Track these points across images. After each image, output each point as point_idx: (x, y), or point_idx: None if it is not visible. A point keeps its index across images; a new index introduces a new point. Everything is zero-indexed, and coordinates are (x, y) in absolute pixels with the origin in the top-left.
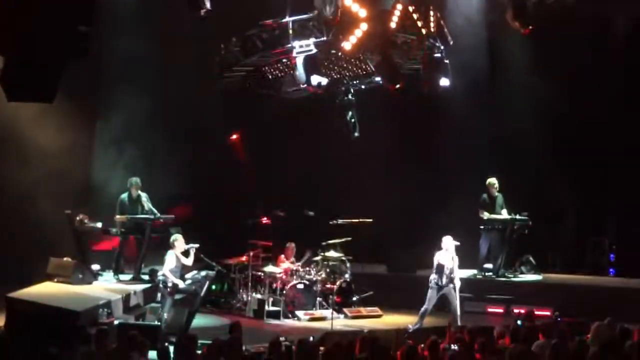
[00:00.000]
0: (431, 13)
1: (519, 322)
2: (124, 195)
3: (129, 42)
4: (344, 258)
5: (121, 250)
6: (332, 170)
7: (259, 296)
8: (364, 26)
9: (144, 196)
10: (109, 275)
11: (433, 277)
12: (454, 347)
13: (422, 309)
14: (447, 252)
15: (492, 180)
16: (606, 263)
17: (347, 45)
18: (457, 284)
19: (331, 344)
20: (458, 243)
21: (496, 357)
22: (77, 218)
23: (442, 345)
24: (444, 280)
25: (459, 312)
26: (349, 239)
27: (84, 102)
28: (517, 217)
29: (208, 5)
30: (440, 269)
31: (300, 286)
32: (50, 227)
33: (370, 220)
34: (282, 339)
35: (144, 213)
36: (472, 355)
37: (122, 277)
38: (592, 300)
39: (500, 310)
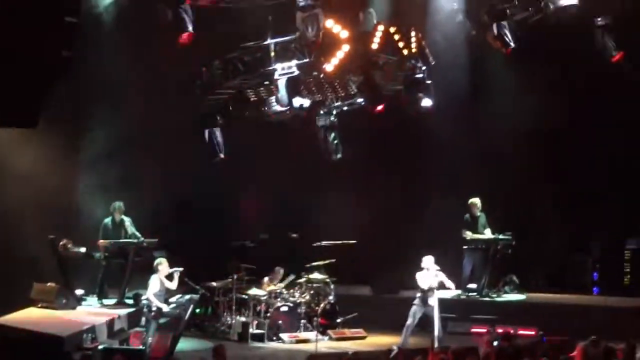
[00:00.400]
0: (412, 34)
1: (495, 342)
2: (108, 220)
3: (111, 65)
4: (327, 280)
5: (105, 274)
6: (315, 192)
7: (243, 319)
8: (345, 47)
9: (127, 220)
10: (92, 299)
11: (418, 295)
12: None
13: (406, 324)
14: (428, 272)
15: (475, 200)
16: (590, 282)
17: (329, 66)
18: (435, 303)
19: None
20: (438, 267)
21: None
22: (61, 243)
23: None
24: (426, 299)
25: (436, 333)
26: (333, 260)
27: (67, 126)
28: (500, 236)
29: (190, 28)
30: (421, 288)
31: (285, 308)
32: (33, 252)
33: (354, 242)
34: None
35: (128, 237)
36: None
37: (106, 301)
38: (576, 319)
39: (484, 331)
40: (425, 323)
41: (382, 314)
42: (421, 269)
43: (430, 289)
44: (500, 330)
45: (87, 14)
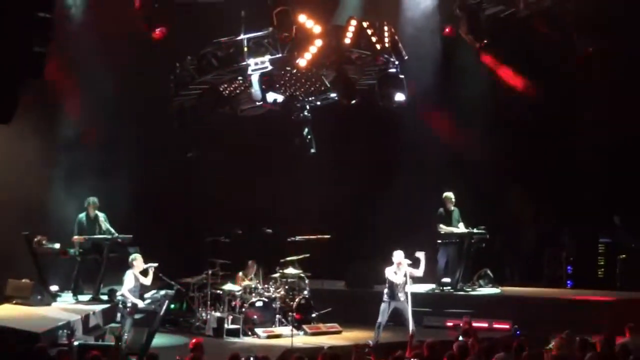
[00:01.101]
0: (385, 28)
1: (460, 337)
2: (82, 215)
3: (85, 60)
4: (302, 275)
5: (79, 270)
6: (289, 187)
7: (218, 314)
8: (318, 42)
9: (101, 216)
10: (67, 296)
11: (385, 291)
12: None
13: (377, 322)
14: (398, 267)
15: (449, 194)
16: (564, 275)
17: (302, 61)
18: (409, 297)
19: None
20: (409, 261)
21: None
22: (35, 239)
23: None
24: (396, 294)
25: (411, 326)
26: (307, 255)
27: (40, 121)
28: (475, 230)
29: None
30: (390, 283)
31: (259, 303)
32: (7, 248)
33: (328, 236)
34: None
35: (102, 233)
36: None
37: (81, 297)
38: (551, 312)
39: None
40: (399, 318)
41: (356, 308)
42: (391, 263)
43: (400, 284)
44: (461, 324)
45: (60, 8)
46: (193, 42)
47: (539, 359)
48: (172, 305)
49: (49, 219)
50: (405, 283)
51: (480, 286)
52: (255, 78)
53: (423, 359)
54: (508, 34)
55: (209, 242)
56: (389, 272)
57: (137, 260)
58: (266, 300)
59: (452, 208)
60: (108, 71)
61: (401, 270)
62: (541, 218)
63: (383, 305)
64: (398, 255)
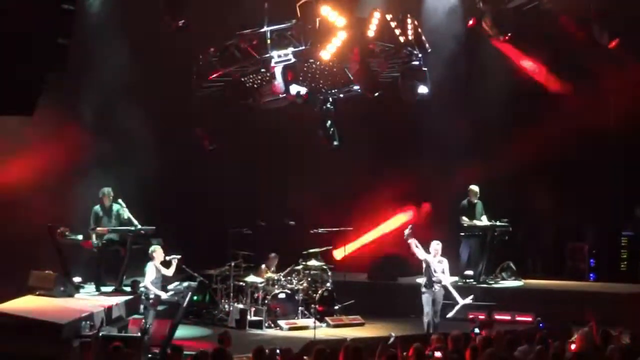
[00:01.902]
0: (408, 21)
1: (476, 330)
2: (97, 207)
3: (109, 53)
4: (325, 267)
5: (101, 262)
6: (312, 179)
7: (240, 306)
8: (342, 35)
9: (119, 206)
10: (90, 287)
11: (422, 281)
12: (437, 354)
13: (425, 318)
14: (434, 258)
15: (473, 187)
16: (586, 268)
17: (325, 54)
18: (448, 286)
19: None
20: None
21: None
22: (58, 231)
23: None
24: (433, 284)
25: (437, 319)
26: (330, 247)
27: (64, 114)
28: (498, 223)
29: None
30: (428, 273)
31: (282, 295)
32: (31, 239)
33: (351, 228)
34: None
35: (123, 223)
36: None
37: (104, 289)
38: (573, 305)
39: (482, 317)
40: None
41: (379, 300)
42: (428, 253)
43: (436, 274)
44: (481, 316)
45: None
46: (215, 33)
47: (562, 351)
48: (195, 297)
49: (71, 210)
50: (442, 274)
51: (503, 279)
52: (278, 70)
53: (447, 351)
54: (532, 27)
55: (231, 233)
56: (428, 262)
57: (157, 252)
58: (289, 292)
59: (476, 201)
60: (128, 62)
61: (437, 260)
62: (564, 211)
63: (425, 297)
64: (435, 246)
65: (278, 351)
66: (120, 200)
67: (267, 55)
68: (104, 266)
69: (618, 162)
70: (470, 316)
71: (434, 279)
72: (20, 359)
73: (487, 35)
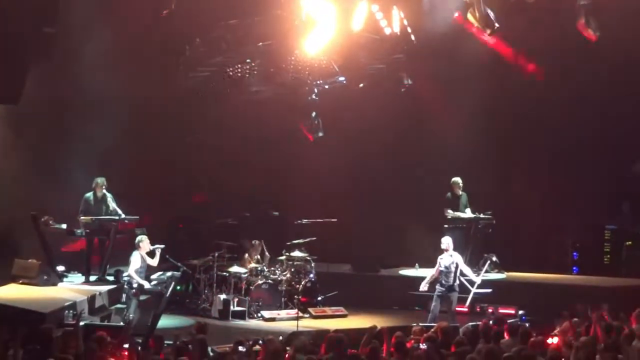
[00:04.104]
0: (394, 13)
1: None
2: (89, 195)
3: (90, 40)
4: (308, 258)
5: (89, 251)
6: (296, 170)
7: (223, 296)
8: (328, 26)
9: (109, 196)
10: (74, 276)
11: (437, 279)
12: (423, 345)
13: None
14: (447, 253)
15: (456, 179)
16: (569, 261)
17: (311, 45)
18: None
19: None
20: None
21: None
22: (42, 219)
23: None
24: (451, 282)
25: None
26: (314, 238)
27: (49, 103)
28: (481, 215)
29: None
30: (446, 271)
31: (265, 286)
32: (14, 228)
33: (335, 220)
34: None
35: (109, 213)
36: (443, 354)
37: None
38: (556, 298)
39: (465, 309)
40: (409, 303)
41: (362, 292)
42: (442, 250)
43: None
44: (490, 311)
45: None
46: (201, 24)
47: (545, 344)
48: (178, 287)
49: (55, 199)
50: (455, 270)
51: (486, 271)
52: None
53: (437, 343)
54: (518, 20)
55: (215, 224)
56: (443, 260)
57: (144, 242)
58: (272, 282)
59: (460, 193)
60: (112, 51)
61: (450, 258)
62: (548, 204)
63: (435, 301)
64: (446, 241)
65: (261, 342)
66: (105, 191)
67: (254, 45)
68: (90, 255)
69: (602, 156)
70: (458, 308)
71: (450, 279)
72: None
73: (474, 28)
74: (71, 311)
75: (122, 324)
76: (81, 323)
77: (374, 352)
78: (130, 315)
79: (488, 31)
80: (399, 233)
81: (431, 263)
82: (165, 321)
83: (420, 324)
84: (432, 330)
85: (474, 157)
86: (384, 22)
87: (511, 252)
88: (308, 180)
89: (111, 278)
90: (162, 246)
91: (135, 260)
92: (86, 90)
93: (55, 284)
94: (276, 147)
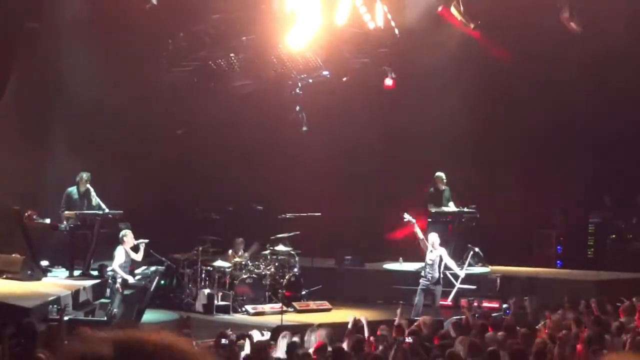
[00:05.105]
0: (378, 6)
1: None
2: (72, 189)
3: (75, 35)
4: (292, 252)
5: (72, 245)
6: (280, 164)
7: (208, 291)
8: (312, 20)
9: (92, 191)
10: (58, 271)
11: (422, 274)
12: (408, 339)
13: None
14: (435, 250)
15: (440, 174)
16: (553, 255)
17: (295, 39)
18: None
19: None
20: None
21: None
22: (26, 214)
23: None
24: (436, 275)
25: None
26: (298, 233)
27: (32, 99)
28: (465, 209)
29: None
30: (431, 264)
31: (249, 280)
32: None
33: (319, 214)
34: (229, 332)
35: (92, 208)
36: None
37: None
38: (541, 292)
39: (449, 303)
40: (392, 296)
41: (346, 286)
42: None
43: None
44: (475, 304)
45: None
46: (184, 18)
47: (529, 338)
48: (162, 282)
49: (40, 194)
50: (440, 264)
51: (470, 265)
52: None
53: (420, 336)
54: (502, 14)
55: (199, 218)
56: (430, 256)
57: (128, 236)
58: (256, 277)
59: (443, 187)
60: (97, 45)
61: (435, 252)
62: (531, 197)
63: (418, 296)
64: (433, 237)
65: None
66: (89, 185)
67: (237, 40)
68: (74, 250)
69: (586, 149)
70: (441, 302)
71: (435, 274)
72: None
73: (457, 22)
74: (55, 306)
75: (105, 318)
76: (65, 318)
77: (357, 344)
78: (115, 310)
79: (472, 25)
80: (383, 227)
81: (415, 258)
82: (149, 316)
83: (404, 318)
84: (416, 324)
85: (457, 150)
86: (368, 16)
87: (495, 246)
88: (292, 174)
89: (95, 273)
90: (146, 241)
91: (120, 254)
92: (69, 84)
93: (39, 279)
94: (261, 142)
